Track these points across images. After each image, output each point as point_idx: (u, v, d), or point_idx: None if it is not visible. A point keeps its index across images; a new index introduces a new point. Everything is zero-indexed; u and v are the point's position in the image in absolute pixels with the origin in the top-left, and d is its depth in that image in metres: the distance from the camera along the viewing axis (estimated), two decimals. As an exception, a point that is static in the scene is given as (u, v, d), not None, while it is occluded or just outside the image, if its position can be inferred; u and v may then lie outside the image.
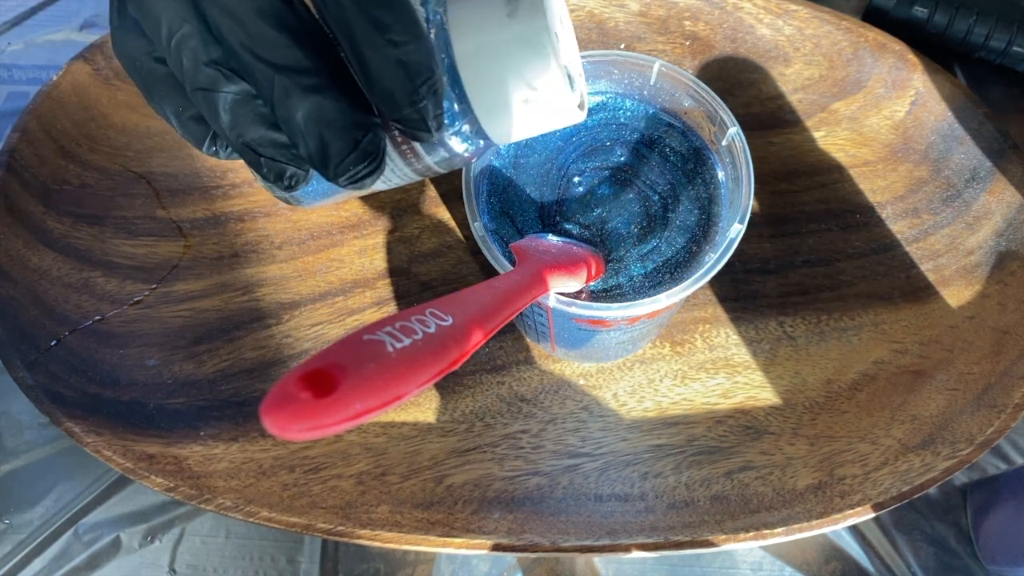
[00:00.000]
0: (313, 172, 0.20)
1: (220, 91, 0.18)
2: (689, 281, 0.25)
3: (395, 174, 0.22)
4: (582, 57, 0.28)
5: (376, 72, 0.18)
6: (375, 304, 0.37)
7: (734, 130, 0.27)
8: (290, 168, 0.19)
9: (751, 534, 0.30)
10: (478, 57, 0.19)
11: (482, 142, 0.21)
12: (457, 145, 0.21)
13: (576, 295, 0.26)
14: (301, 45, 0.18)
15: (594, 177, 0.29)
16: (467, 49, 0.19)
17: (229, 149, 0.21)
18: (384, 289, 0.38)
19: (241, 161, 0.21)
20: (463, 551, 0.30)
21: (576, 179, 0.29)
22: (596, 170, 0.29)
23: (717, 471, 0.33)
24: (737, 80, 0.41)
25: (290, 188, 0.20)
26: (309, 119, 0.18)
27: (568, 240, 0.27)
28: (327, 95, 0.18)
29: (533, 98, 0.20)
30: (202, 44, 0.18)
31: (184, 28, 0.18)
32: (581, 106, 0.22)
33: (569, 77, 0.21)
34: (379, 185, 0.22)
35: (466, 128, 0.21)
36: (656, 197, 0.28)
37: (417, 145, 0.21)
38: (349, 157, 0.19)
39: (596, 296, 0.27)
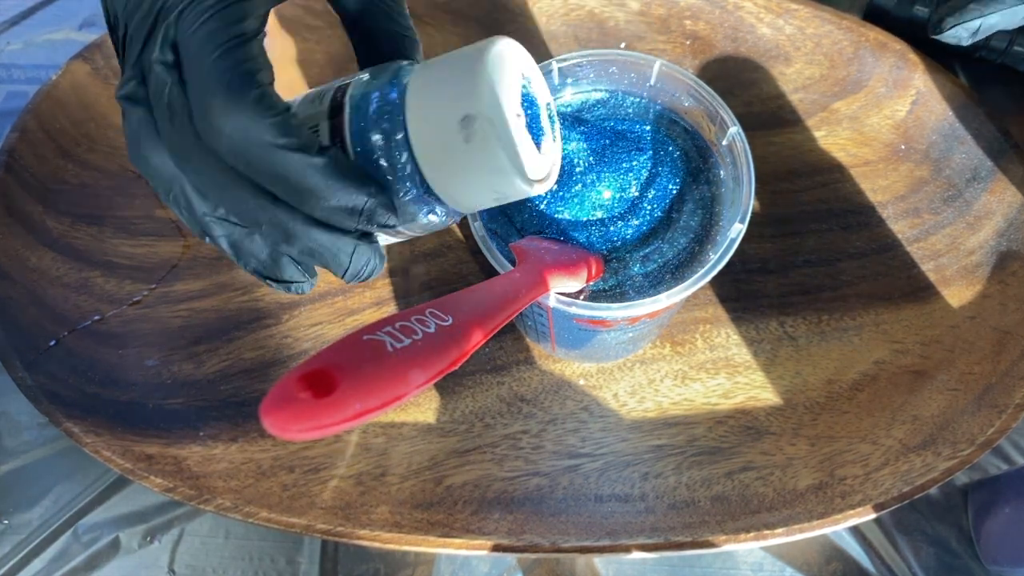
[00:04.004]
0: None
1: (217, 235, 0.21)
2: (690, 281, 0.25)
3: (402, 234, 0.24)
4: (582, 56, 0.28)
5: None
6: (375, 304, 0.37)
7: (735, 129, 0.27)
8: (302, 284, 0.23)
9: (752, 535, 0.30)
10: (443, 170, 0.21)
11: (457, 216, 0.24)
12: (435, 220, 0.23)
13: (576, 295, 0.26)
14: (269, 195, 0.20)
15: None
16: (431, 158, 0.21)
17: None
18: (384, 289, 0.38)
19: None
20: (463, 552, 0.30)
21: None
22: None
23: (718, 471, 0.33)
24: (738, 79, 0.41)
25: (299, 292, 0.23)
26: (303, 254, 0.21)
27: (568, 240, 0.27)
28: (311, 232, 0.20)
29: (499, 196, 0.22)
30: (196, 198, 0.20)
31: (175, 188, 0.20)
32: (548, 177, 0.23)
33: (539, 139, 0.22)
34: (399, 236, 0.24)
35: (439, 210, 0.22)
36: (657, 197, 0.28)
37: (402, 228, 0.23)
38: (350, 267, 0.21)
39: (596, 296, 0.27)
